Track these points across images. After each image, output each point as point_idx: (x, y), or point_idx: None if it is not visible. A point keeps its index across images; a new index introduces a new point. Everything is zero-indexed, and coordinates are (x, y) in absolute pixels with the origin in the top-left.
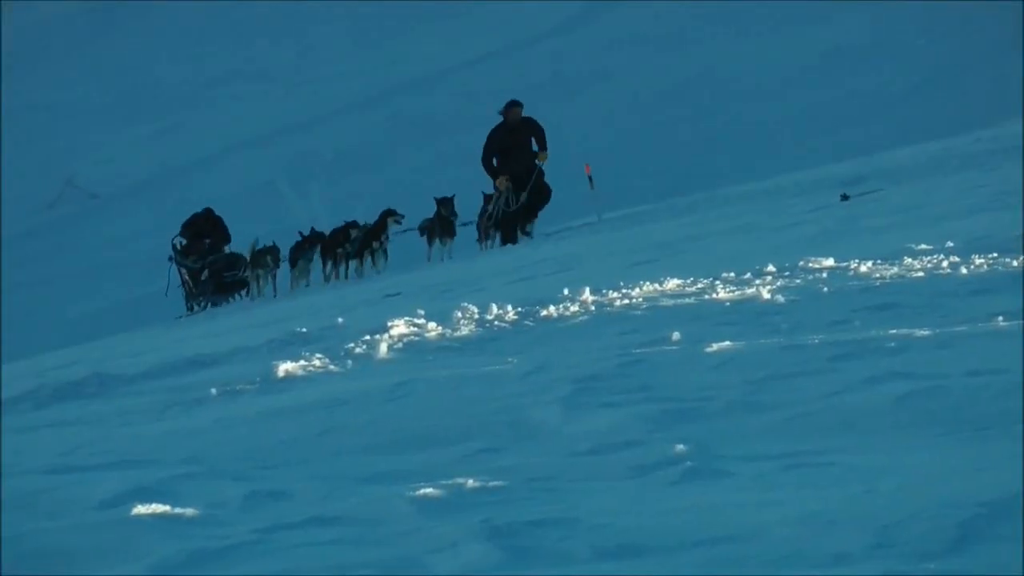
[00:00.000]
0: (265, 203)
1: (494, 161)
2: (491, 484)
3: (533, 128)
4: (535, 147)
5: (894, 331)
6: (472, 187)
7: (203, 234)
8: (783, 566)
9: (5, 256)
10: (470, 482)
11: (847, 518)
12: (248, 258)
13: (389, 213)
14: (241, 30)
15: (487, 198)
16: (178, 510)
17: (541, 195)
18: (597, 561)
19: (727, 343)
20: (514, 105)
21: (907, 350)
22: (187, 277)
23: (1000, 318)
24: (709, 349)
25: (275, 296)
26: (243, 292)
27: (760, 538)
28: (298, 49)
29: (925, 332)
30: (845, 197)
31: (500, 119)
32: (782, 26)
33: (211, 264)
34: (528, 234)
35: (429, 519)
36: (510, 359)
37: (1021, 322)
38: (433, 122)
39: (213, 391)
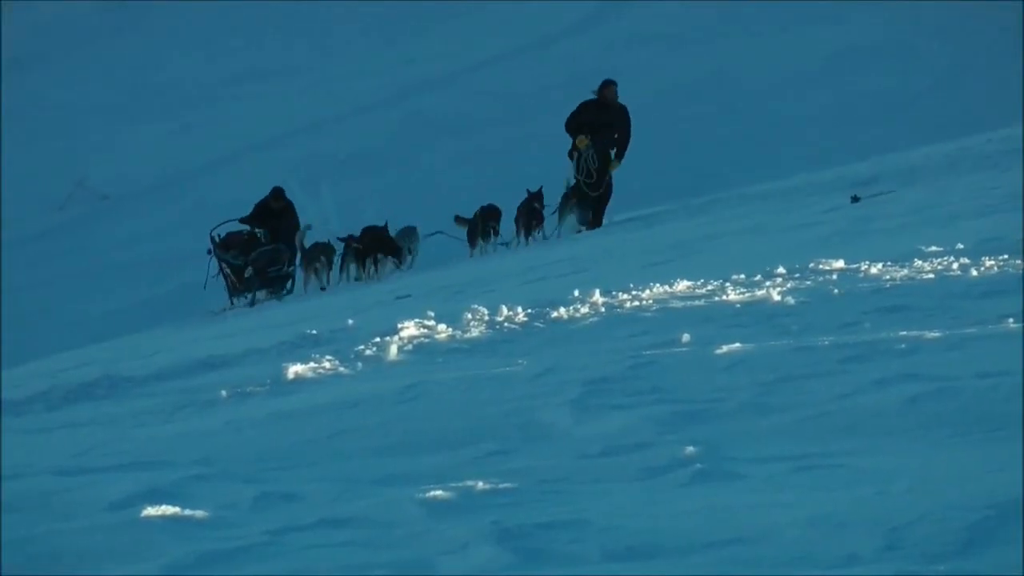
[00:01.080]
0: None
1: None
2: (501, 486)
3: (623, 119)
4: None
5: (904, 333)
6: (486, 188)
7: (273, 217)
8: (793, 567)
9: (16, 257)
10: (480, 484)
11: (857, 520)
12: (298, 250)
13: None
14: (254, 29)
15: (531, 196)
16: (188, 512)
17: (606, 193)
18: (607, 563)
19: (737, 345)
20: (609, 84)
21: (917, 352)
22: (228, 270)
23: (1010, 320)
24: (719, 351)
25: (324, 291)
26: (288, 285)
27: (770, 540)
28: (312, 49)
29: (935, 334)
30: (855, 199)
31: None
32: (794, 25)
33: (254, 261)
34: (582, 230)
35: (439, 521)
36: (520, 361)
37: None
38: (448, 122)
39: (223, 393)
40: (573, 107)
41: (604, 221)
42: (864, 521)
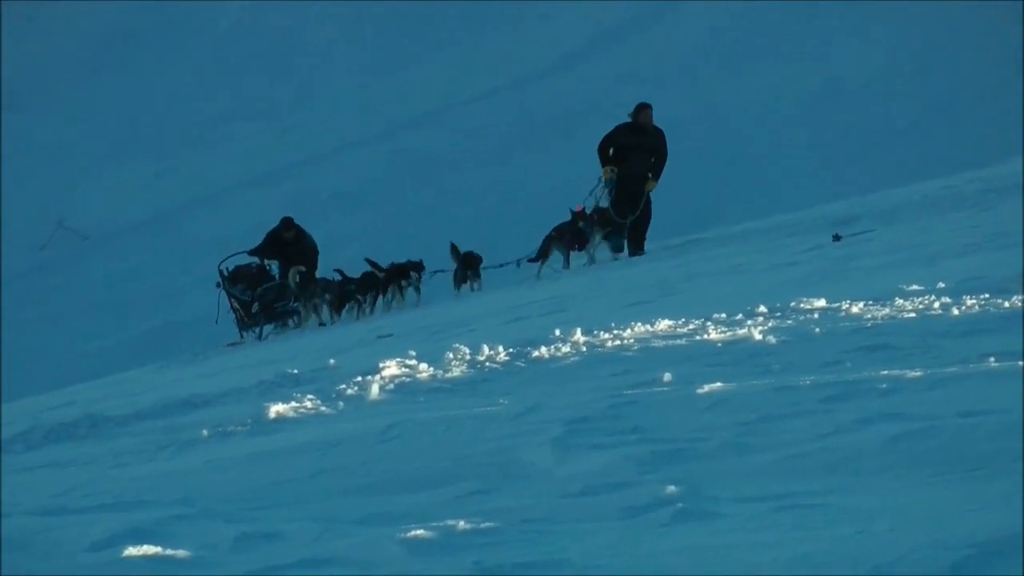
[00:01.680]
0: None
1: (610, 152)
2: (482, 525)
3: (658, 142)
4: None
5: (886, 372)
6: (473, 225)
7: (285, 247)
8: None
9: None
10: (461, 523)
11: (839, 559)
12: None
13: (415, 267)
14: (238, 69)
15: (575, 215)
16: (170, 551)
17: (644, 217)
18: None
19: (719, 384)
20: (645, 107)
21: (899, 391)
22: (237, 304)
23: (992, 359)
24: (700, 390)
25: (323, 325)
26: (293, 320)
27: None
28: (298, 87)
29: (917, 373)
30: (837, 238)
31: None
32: (780, 62)
33: (261, 296)
34: (641, 252)
35: (421, 560)
36: (501, 400)
37: (1014, 363)
38: (434, 160)
39: (205, 432)
40: (559, 143)
41: (591, 259)
42: (846, 561)
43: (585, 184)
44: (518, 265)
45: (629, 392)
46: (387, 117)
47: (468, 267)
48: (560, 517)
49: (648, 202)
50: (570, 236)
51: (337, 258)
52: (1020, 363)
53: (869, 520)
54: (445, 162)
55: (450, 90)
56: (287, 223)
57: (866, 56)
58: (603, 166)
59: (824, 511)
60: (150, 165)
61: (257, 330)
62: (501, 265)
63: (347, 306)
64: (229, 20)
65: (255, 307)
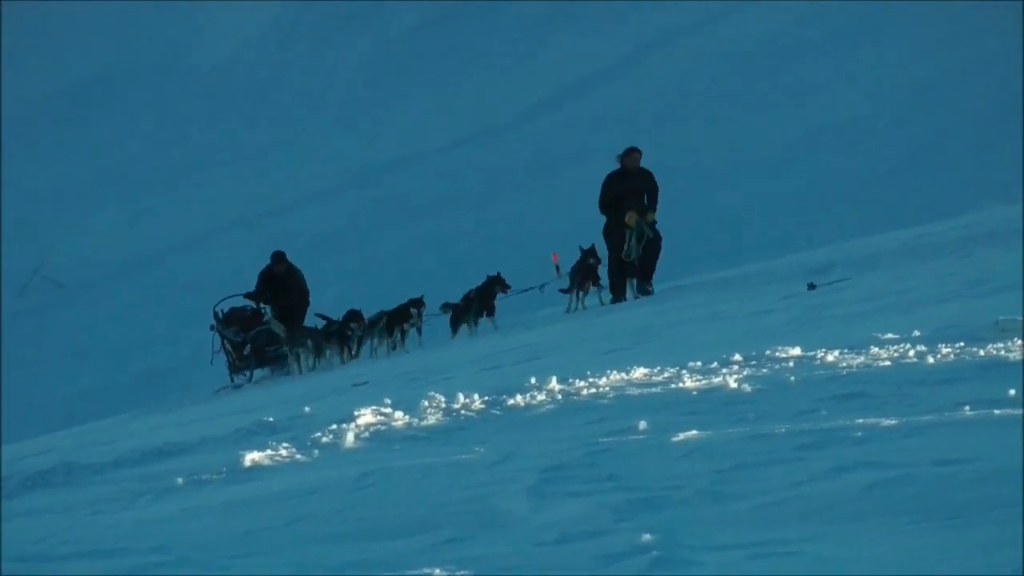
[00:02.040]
0: (243, 288)
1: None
2: (458, 573)
3: (649, 181)
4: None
5: (861, 420)
6: (449, 270)
7: (278, 282)
8: None
9: None
10: (437, 572)
11: None
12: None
13: (416, 303)
14: (218, 113)
15: (586, 252)
16: None
17: (653, 248)
18: None
19: (694, 432)
20: (633, 151)
21: (874, 439)
22: (230, 347)
23: (967, 407)
24: (676, 438)
25: (312, 370)
26: (277, 366)
27: None
28: (276, 132)
29: (892, 421)
30: (812, 286)
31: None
32: (757, 111)
33: (252, 339)
34: (650, 292)
35: None
36: (477, 448)
37: (989, 411)
38: (413, 204)
39: (180, 481)
40: (538, 187)
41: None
42: None
43: (564, 227)
44: (541, 290)
45: (604, 440)
46: (366, 162)
47: (484, 297)
48: (536, 565)
49: (653, 245)
50: (583, 272)
51: (316, 302)
52: (996, 411)
53: (844, 568)
54: (424, 206)
55: (429, 135)
56: (278, 256)
57: (844, 104)
58: (623, 218)
59: (799, 559)
60: (128, 209)
61: (248, 374)
62: (525, 290)
63: (343, 347)
64: (208, 65)
65: (246, 350)
